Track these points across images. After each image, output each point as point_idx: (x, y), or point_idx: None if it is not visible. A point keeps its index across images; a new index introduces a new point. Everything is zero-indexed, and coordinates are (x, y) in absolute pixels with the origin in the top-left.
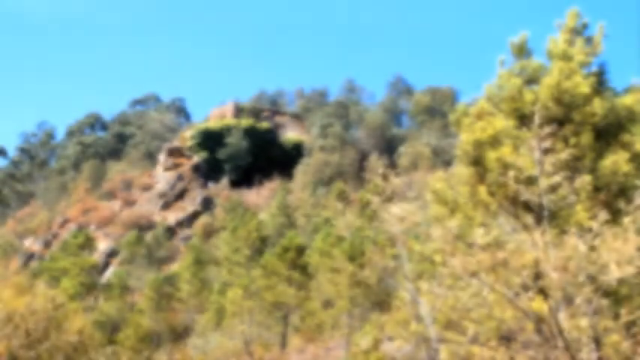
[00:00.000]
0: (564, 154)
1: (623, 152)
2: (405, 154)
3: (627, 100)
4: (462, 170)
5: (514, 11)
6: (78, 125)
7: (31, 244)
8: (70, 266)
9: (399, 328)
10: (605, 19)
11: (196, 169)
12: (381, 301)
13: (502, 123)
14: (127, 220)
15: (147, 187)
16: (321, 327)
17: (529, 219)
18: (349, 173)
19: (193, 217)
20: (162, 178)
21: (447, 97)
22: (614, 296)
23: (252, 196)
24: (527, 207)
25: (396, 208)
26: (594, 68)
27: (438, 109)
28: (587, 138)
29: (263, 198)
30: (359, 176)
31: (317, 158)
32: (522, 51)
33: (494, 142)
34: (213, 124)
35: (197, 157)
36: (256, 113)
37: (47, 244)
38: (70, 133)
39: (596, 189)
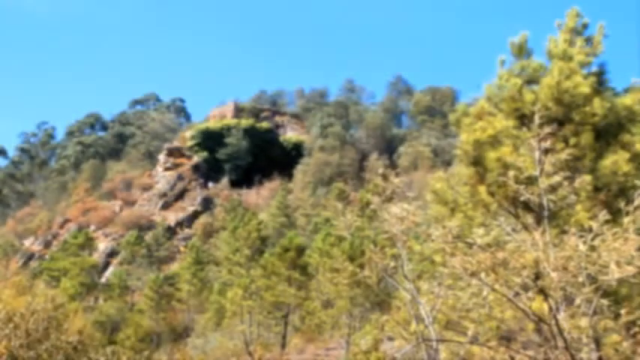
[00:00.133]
0: (564, 154)
1: (623, 152)
2: (405, 154)
3: (627, 100)
4: (462, 170)
5: (514, 11)
6: (78, 125)
7: (31, 244)
8: (70, 266)
9: (399, 328)
10: (605, 19)
11: (196, 169)
12: (381, 301)
13: (502, 123)
14: (127, 220)
15: (147, 187)
16: (321, 327)
17: (529, 219)
18: (349, 173)
19: (193, 217)
20: (162, 178)
21: (447, 97)
22: (614, 296)
23: (252, 196)
24: (527, 207)
25: (396, 208)
26: (594, 68)
27: (438, 109)
28: (587, 138)
29: (263, 198)
30: (359, 176)
31: (317, 158)
32: (522, 51)
33: (494, 142)
34: (213, 124)
35: (197, 157)
36: (256, 113)
37: (47, 244)
38: (70, 133)
39: (596, 189)
